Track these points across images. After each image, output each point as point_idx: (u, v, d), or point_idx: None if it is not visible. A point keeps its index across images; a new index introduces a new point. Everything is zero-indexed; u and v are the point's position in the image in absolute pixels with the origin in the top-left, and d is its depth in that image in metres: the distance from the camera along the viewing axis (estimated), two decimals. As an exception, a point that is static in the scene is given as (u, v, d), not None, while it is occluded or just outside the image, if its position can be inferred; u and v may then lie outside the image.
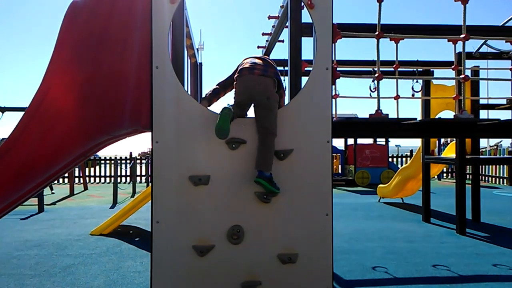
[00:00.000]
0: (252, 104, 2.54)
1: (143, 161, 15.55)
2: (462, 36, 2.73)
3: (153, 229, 2.37)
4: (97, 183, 14.80)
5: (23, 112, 8.61)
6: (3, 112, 10.97)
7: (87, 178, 13.76)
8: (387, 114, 2.64)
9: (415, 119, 2.63)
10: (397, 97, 3.63)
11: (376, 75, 2.77)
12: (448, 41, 2.84)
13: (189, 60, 5.03)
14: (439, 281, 3.70)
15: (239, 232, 2.40)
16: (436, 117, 7.22)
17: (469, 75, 5.91)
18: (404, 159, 15.64)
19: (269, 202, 2.41)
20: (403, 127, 2.68)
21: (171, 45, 2.71)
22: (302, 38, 3.42)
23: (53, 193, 10.85)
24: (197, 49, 5.78)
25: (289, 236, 2.42)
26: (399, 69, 3.64)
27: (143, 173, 15.30)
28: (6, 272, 4.00)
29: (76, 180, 13.24)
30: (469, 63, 5.93)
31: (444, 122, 2.88)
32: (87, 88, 2.51)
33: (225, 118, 2.32)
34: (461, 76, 2.78)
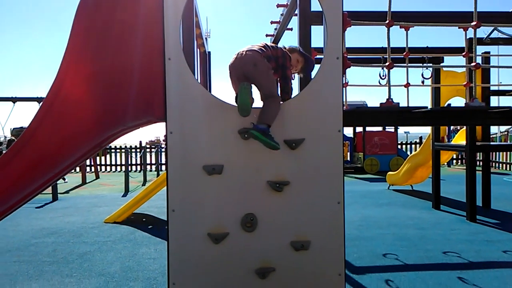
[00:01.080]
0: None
1: (153, 150, 15.69)
2: (473, 23, 2.71)
3: (169, 217, 2.43)
4: (108, 171, 15.00)
5: (33, 102, 8.75)
6: (14, 102, 11.12)
7: (98, 167, 13.94)
8: (398, 103, 2.66)
9: (426, 107, 2.63)
10: (407, 85, 3.62)
11: (387, 63, 2.77)
12: (459, 28, 2.83)
13: (198, 50, 5.05)
14: (449, 268, 3.74)
15: (253, 220, 2.45)
16: (447, 103, 7.18)
17: (480, 61, 5.86)
18: (413, 146, 15.57)
19: (281, 191, 2.45)
20: (414, 116, 2.68)
21: (182, 36, 2.73)
22: (311, 26, 3.42)
23: (66, 182, 11.04)
24: (206, 38, 5.79)
25: (301, 224, 2.47)
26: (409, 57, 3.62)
27: (153, 161, 15.45)
28: (25, 259, 4.13)
29: (88, 169, 13.43)
30: (480, 49, 5.87)
31: (455, 111, 2.88)
32: (101, 80, 2.55)
33: (244, 94, 2.34)
34: (472, 64, 2.77)
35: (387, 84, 3.01)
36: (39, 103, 10.78)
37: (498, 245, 4.44)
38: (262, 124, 2.37)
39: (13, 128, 18.93)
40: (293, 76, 2.91)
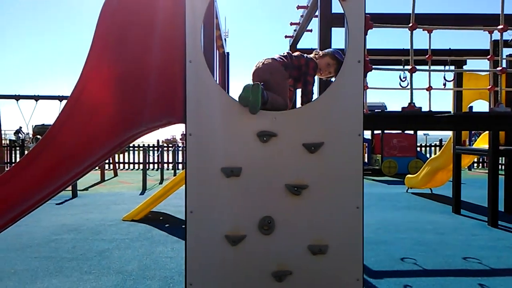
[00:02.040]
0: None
1: (170, 149, 15.84)
2: (500, 27, 2.64)
3: (187, 219, 2.45)
4: (126, 169, 15.22)
5: (55, 100, 8.93)
6: (37, 101, 11.39)
7: (117, 165, 14.16)
8: (420, 107, 2.61)
9: (449, 112, 2.57)
10: (429, 88, 3.56)
11: (409, 67, 2.73)
12: (484, 31, 2.76)
13: (217, 51, 5.07)
14: (470, 274, 3.66)
15: (270, 223, 2.45)
16: (469, 106, 7.03)
17: (505, 65, 5.71)
18: (433, 148, 15.31)
19: (299, 194, 2.44)
20: (437, 120, 2.63)
21: (203, 38, 2.75)
22: (332, 28, 3.40)
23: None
24: (225, 38, 5.80)
25: (319, 228, 2.45)
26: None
27: (170, 160, 15.60)
28: (46, 255, 4.23)
29: (106, 166, 13.66)
30: (505, 51, 5.71)
31: (479, 116, 2.81)
32: (123, 82, 2.58)
33: (256, 93, 2.37)
34: (498, 68, 2.70)
35: (408, 87, 2.96)
36: (61, 101, 11.02)
37: (521, 252, 4.33)
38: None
39: (35, 125, 19.46)
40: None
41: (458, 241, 4.79)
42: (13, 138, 21.35)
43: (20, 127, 21.66)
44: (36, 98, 11.22)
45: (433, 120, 2.65)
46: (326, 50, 2.92)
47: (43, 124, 18.74)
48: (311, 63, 2.83)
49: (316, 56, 2.89)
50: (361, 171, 2.45)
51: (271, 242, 2.45)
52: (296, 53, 2.90)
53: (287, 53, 2.84)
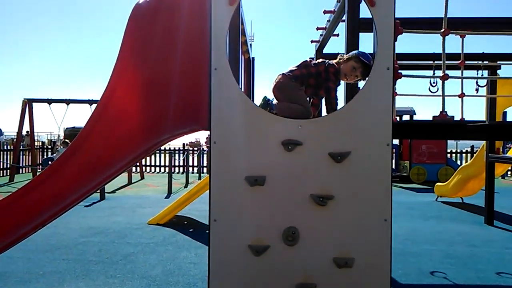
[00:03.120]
0: None
1: (195, 152, 15.98)
2: (540, 31, 2.50)
3: (211, 227, 2.43)
4: (153, 172, 15.45)
5: (85, 104, 9.19)
6: (68, 104, 11.74)
7: (144, 168, 14.40)
8: (453, 116, 2.51)
9: (484, 121, 2.45)
10: (462, 95, 3.42)
11: (441, 74, 2.62)
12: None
13: (242, 57, 5.06)
14: (504, 291, 3.49)
15: (294, 234, 2.39)
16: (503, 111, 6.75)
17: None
18: (464, 155, 14.82)
19: (325, 205, 2.38)
20: (469, 130, 2.52)
21: (228, 45, 2.74)
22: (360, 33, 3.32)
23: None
24: (250, 44, 5.79)
25: (345, 240, 2.38)
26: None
27: (195, 163, 15.73)
28: (73, 258, 4.31)
29: (133, 169, 13.91)
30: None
31: (517, 125, 2.67)
32: (150, 90, 2.61)
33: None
34: (537, 75, 2.56)
35: (439, 94, 2.85)
36: (91, 105, 11.32)
37: (559, 268, 4.09)
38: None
39: (66, 128, 20.05)
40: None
41: (491, 254, 4.58)
42: (45, 140, 22.02)
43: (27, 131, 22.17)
44: (67, 102, 11.57)
45: (466, 129, 2.53)
46: (350, 53, 2.85)
47: (73, 127, 19.30)
48: (331, 68, 2.78)
49: (341, 60, 2.83)
50: (390, 182, 2.37)
51: (295, 253, 2.40)
52: (316, 60, 2.89)
53: (304, 62, 2.86)
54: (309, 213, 2.40)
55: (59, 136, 16.16)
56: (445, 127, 2.55)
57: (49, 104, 11.61)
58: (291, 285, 2.40)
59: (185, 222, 6.22)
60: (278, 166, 2.42)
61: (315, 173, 2.41)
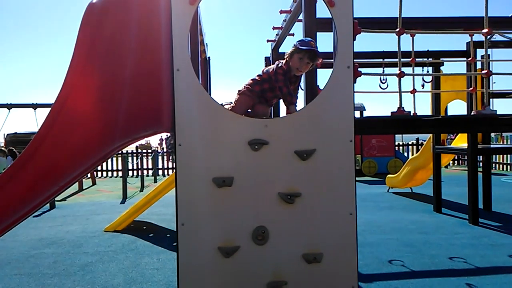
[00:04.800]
0: None
1: (150, 155, 15.57)
2: (484, 30, 2.69)
3: (179, 231, 2.38)
4: (105, 177, 14.87)
5: (29, 109, 8.63)
6: (9, 109, 11.00)
7: (95, 173, 13.82)
8: (409, 112, 2.63)
9: (438, 116, 2.61)
10: (413, 91, 3.61)
11: (397, 72, 2.75)
12: (470, 35, 2.81)
13: (199, 57, 5.00)
14: (456, 274, 3.72)
15: (264, 233, 2.41)
16: (446, 106, 7.19)
17: (479, 65, 5.86)
18: (410, 147, 15.62)
19: (292, 203, 2.41)
20: (424, 124, 2.66)
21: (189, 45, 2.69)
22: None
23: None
24: (206, 43, 5.73)
25: (313, 236, 2.43)
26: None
27: (150, 166, 15.34)
28: (26, 272, 4.05)
29: (84, 175, 13.30)
30: (479, 52, 5.87)
31: (467, 119, 2.86)
32: (107, 91, 2.50)
33: None
34: (483, 72, 2.75)
35: (394, 90, 2.98)
36: (35, 109, 10.67)
37: (503, 249, 4.43)
38: None
39: (7, 134, 18.78)
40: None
41: (442, 240, 4.87)
42: None
43: None
44: (9, 106, 10.83)
45: (421, 123, 2.67)
46: (290, 49, 2.91)
47: (15, 133, 18.13)
48: (279, 70, 2.88)
49: (287, 58, 2.89)
50: (353, 177, 2.44)
51: (265, 252, 2.41)
52: (265, 68, 3.07)
53: (258, 75, 3.03)
54: (278, 211, 2.42)
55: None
56: (404, 122, 2.68)
57: (-11, 109, 10.81)
58: (262, 284, 2.41)
59: (144, 227, 6.03)
60: (246, 166, 2.42)
61: (282, 172, 2.43)
